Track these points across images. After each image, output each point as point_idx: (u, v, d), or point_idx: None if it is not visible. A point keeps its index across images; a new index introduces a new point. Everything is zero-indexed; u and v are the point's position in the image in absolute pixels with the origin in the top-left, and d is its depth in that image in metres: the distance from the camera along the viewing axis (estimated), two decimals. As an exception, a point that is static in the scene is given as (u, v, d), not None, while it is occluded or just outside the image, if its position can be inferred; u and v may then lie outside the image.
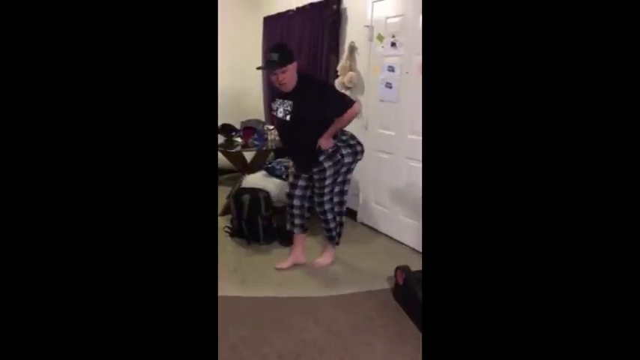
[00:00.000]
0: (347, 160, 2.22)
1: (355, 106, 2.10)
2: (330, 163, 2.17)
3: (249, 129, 3.38)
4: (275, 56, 2.01)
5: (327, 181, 2.21)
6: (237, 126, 3.57)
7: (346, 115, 2.07)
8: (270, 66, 2.03)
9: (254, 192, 2.79)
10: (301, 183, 2.32)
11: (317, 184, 2.23)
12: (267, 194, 2.81)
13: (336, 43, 3.14)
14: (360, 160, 2.32)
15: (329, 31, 3.13)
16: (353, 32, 3.04)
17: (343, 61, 3.03)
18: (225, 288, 2.19)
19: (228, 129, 3.42)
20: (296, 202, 2.36)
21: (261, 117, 4.10)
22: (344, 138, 2.24)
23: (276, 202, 2.87)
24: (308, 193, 2.35)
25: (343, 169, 2.24)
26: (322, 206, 2.27)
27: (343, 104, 2.09)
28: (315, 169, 2.20)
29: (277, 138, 3.14)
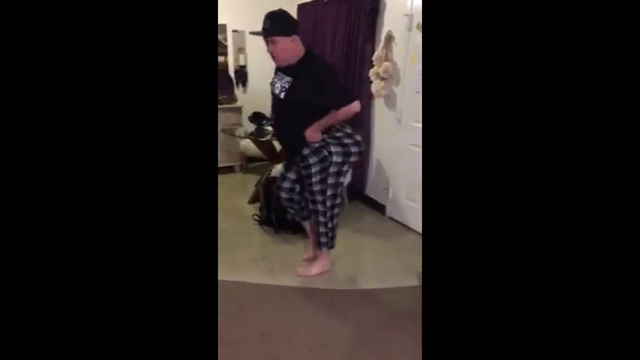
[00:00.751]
0: (336, 159, 1.97)
1: (355, 104, 1.89)
2: (316, 160, 1.96)
3: (280, 118, 3.36)
4: (267, 23, 1.78)
5: (315, 179, 1.99)
6: (268, 115, 3.56)
7: (341, 111, 1.88)
8: (261, 33, 1.82)
9: (284, 181, 2.78)
10: (290, 176, 2.15)
11: (306, 181, 2.03)
12: (296, 184, 2.79)
13: (372, 31, 3.06)
14: (355, 161, 2.11)
15: (365, 19, 3.05)
16: (391, 21, 2.95)
17: (379, 51, 2.95)
18: (254, 275, 2.20)
19: (259, 117, 3.41)
20: (283, 195, 2.18)
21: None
22: (338, 135, 1.99)
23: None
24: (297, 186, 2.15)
25: (332, 169, 1.99)
26: (315, 205, 2.05)
27: (343, 98, 1.90)
28: (300, 164, 2.01)
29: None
